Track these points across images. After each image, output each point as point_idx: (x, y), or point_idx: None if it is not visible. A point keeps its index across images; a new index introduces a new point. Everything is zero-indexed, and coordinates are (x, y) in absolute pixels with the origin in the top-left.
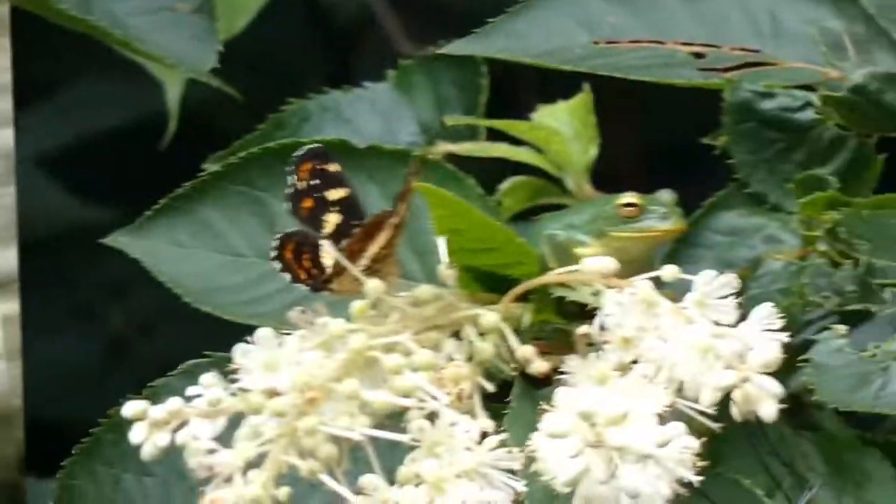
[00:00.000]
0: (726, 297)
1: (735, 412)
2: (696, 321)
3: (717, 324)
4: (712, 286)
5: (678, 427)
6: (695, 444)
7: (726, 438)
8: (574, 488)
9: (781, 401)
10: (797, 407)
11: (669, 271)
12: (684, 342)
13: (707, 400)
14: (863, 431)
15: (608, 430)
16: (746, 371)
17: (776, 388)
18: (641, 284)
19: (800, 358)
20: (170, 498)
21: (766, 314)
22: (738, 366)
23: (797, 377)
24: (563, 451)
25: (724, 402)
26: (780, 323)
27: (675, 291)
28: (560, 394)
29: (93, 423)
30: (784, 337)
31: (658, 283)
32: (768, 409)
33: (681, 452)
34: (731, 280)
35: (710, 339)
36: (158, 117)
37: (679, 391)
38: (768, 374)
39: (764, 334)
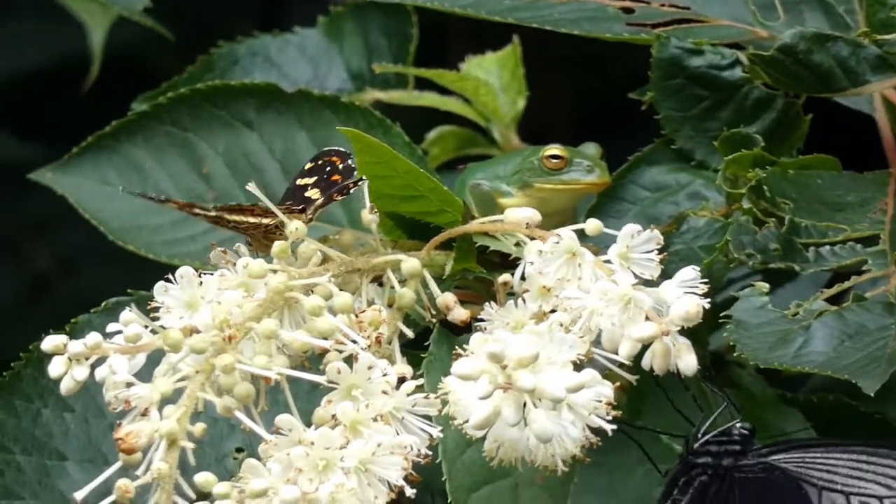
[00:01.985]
0: (649, 252)
1: (654, 365)
2: (618, 273)
3: (639, 278)
4: (636, 240)
5: (592, 374)
6: (609, 392)
7: (645, 393)
8: (483, 431)
9: (702, 357)
10: (718, 364)
11: (593, 225)
12: (605, 293)
13: (626, 352)
14: (785, 391)
15: (518, 372)
16: (667, 324)
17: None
18: (565, 234)
19: (722, 315)
20: (89, 433)
21: (690, 277)
22: (658, 319)
23: (719, 334)
24: (473, 393)
25: (640, 355)
26: (704, 288)
27: (597, 246)
28: (474, 338)
29: (14, 358)
30: (706, 303)
31: (580, 237)
32: (689, 362)
33: (595, 399)
34: (655, 235)
35: (632, 291)
36: (88, 56)
37: (596, 342)
38: (689, 329)
39: (686, 292)
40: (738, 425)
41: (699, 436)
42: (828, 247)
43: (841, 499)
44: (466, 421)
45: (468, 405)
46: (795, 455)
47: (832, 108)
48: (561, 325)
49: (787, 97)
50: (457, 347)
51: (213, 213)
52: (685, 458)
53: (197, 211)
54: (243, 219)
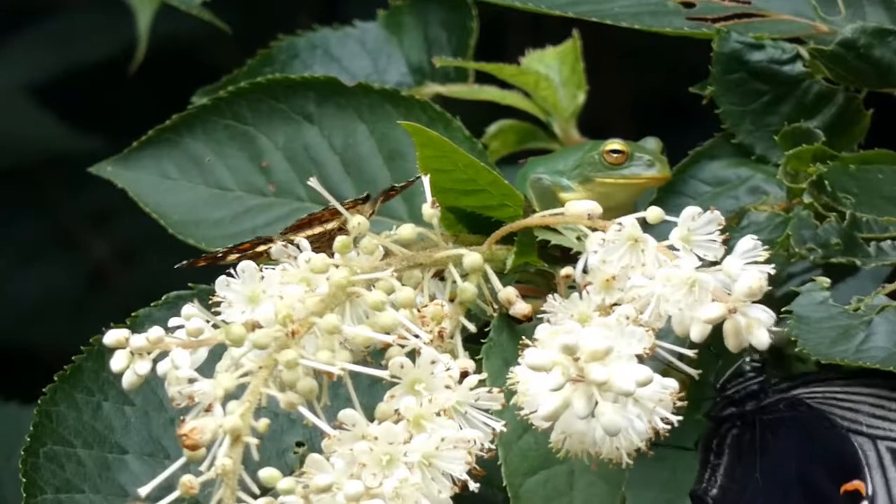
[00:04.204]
0: (711, 233)
1: (729, 345)
2: (681, 257)
3: (703, 260)
4: (697, 222)
5: (657, 368)
6: (675, 385)
7: (704, 386)
8: (551, 423)
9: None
10: (778, 359)
11: (654, 213)
12: (668, 278)
13: (697, 335)
14: None
15: (591, 365)
16: (734, 301)
17: (766, 315)
18: (627, 221)
19: (782, 309)
20: (149, 427)
21: (750, 247)
22: (724, 298)
23: (779, 329)
24: (544, 385)
25: (702, 350)
26: (765, 255)
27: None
28: (542, 329)
29: (75, 351)
30: (770, 269)
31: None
32: (760, 337)
33: (661, 392)
34: (716, 216)
35: (695, 274)
36: (147, 48)
37: (658, 336)
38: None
39: (748, 265)
40: (748, 359)
41: (717, 387)
42: (889, 241)
43: (868, 443)
44: (534, 411)
45: (537, 396)
46: (816, 389)
47: (893, 103)
48: (627, 318)
49: (848, 92)
50: (523, 338)
51: (280, 243)
52: (710, 416)
53: (259, 249)
54: (311, 233)
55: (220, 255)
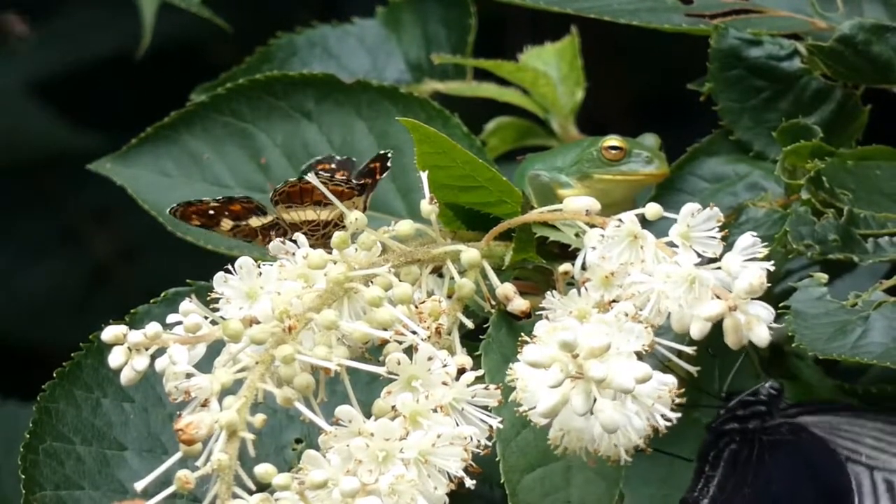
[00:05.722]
0: (710, 230)
1: (728, 341)
2: (680, 253)
3: (702, 256)
4: (697, 219)
5: (655, 365)
6: (673, 381)
7: (702, 385)
8: (549, 419)
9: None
10: (776, 356)
11: (653, 209)
12: (668, 275)
13: (697, 332)
14: (843, 382)
15: (589, 362)
16: (734, 298)
17: (765, 311)
18: (627, 217)
19: (780, 305)
20: (149, 423)
21: (749, 243)
22: (725, 294)
23: (778, 325)
24: (542, 381)
25: (700, 347)
26: (764, 251)
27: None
28: (540, 325)
29: (74, 347)
30: (769, 265)
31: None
32: (760, 334)
33: (660, 389)
34: (715, 213)
35: (696, 271)
36: (148, 46)
37: (657, 332)
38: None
39: (747, 262)
40: (767, 385)
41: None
42: (887, 237)
43: (864, 472)
44: (533, 408)
45: (536, 392)
46: (823, 418)
47: (891, 99)
48: (626, 314)
49: (846, 88)
50: (522, 335)
51: (270, 219)
52: (712, 427)
53: (253, 223)
54: (304, 217)
55: (212, 211)
